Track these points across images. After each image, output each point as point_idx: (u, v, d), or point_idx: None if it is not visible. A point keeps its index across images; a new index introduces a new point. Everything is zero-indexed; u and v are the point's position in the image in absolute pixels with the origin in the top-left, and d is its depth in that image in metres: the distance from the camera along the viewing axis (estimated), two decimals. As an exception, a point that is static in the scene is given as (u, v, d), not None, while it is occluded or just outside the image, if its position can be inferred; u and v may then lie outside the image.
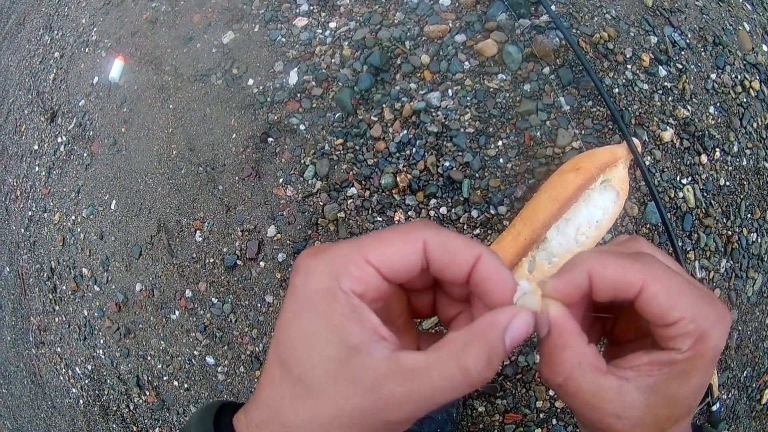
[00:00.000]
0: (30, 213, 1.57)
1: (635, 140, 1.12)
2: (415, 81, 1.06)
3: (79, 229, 1.40)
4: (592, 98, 1.12)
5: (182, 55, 1.25)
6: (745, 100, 1.26)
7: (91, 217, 1.36)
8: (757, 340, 1.17)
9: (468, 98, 1.05)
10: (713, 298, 0.25)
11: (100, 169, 1.34)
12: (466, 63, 1.07)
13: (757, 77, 1.31)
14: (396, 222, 1.03)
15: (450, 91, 1.05)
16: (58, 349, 1.53)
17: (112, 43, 1.41)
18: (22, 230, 1.62)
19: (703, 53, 1.27)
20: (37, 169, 1.55)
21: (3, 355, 1.80)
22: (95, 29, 1.49)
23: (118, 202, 1.30)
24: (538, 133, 1.06)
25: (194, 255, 1.18)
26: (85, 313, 1.40)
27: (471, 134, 1.04)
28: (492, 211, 1.02)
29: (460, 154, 1.03)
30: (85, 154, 1.39)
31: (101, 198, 1.34)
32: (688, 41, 1.26)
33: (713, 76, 1.24)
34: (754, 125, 1.25)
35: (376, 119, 1.05)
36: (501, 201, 1.03)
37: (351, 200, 1.04)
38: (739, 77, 1.27)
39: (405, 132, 1.04)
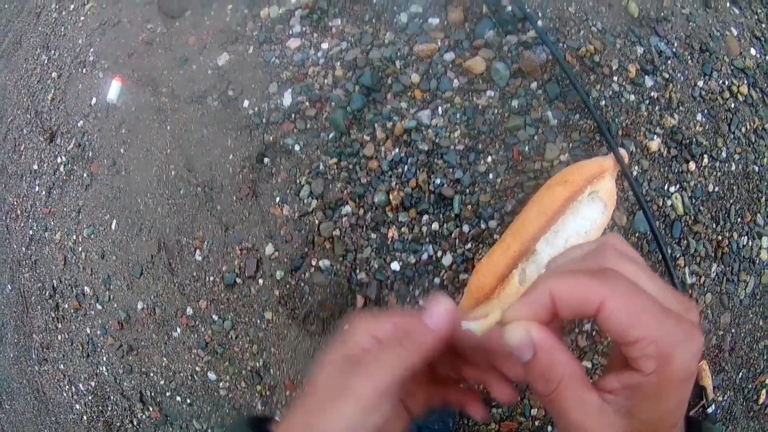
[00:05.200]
0: (31, 232, 1.60)
1: (622, 151, 1.14)
2: (405, 100, 1.09)
3: (80, 249, 1.42)
4: (579, 111, 1.15)
5: (179, 77, 1.28)
6: (733, 105, 1.28)
7: (92, 236, 1.38)
8: (752, 342, 1.19)
9: (457, 116, 1.08)
10: (680, 318, 0.24)
11: (100, 189, 1.37)
12: (455, 81, 1.10)
13: (745, 81, 1.32)
14: (389, 239, 1.06)
15: (440, 109, 1.08)
16: (61, 366, 1.55)
17: (109, 64, 1.44)
18: (23, 249, 1.64)
19: (689, 61, 1.29)
20: (37, 188, 1.58)
21: (6, 371, 1.82)
22: (92, 50, 1.51)
23: (119, 221, 1.33)
24: (527, 148, 1.09)
25: (194, 273, 1.21)
26: (88, 331, 1.43)
27: (461, 151, 1.06)
28: (483, 226, 1.05)
29: (451, 170, 1.06)
30: (84, 175, 1.41)
31: (102, 218, 1.36)
32: (674, 50, 1.28)
33: (700, 83, 1.27)
34: (743, 130, 1.27)
35: (368, 138, 1.08)
36: (491, 215, 1.05)
37: (346, 218, 1.07)
38: (726, 83, 1.29)
39: (397, 150, 1.07)
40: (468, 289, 0.99)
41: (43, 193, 1.55)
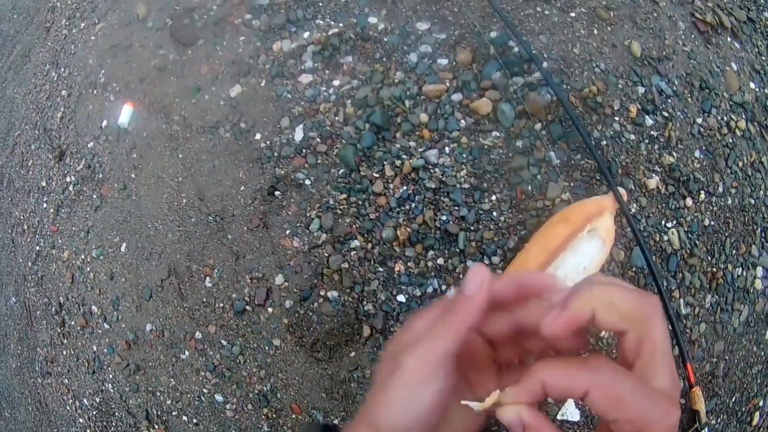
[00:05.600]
0: (38, 248, 1.62)
1: (621, 190, 1.19)
2: (414, 139, 1.13)
3: (88, 269, 1.45)
4: (581, 151, 1.19)
5: (191, 106, 1.31)
6: (730, 140, 1.32)
7: (101, 257, 1.41)
8: (745, 367, 1.23)
9: (464, 155, 1.12)
10: (659, 398, 0.28)
11: (110, 212, 1.39)
12: (462, 121, 1.14)
13: (743, 116, 1.37)
14: (396, 272, 1.10)
15: (447, 148, 1.13)
16: (66, 380, 1.58)
17: (120, 88, 1.46)
18: (30, 264, 1.66)
19: (689, 99, 1.33)
20: (45, 205, 1.60)
21: (7, 381, 1.84)
22: (103, 71, 1.54)
23: (129, 245, 1.35)
24: (530, 187, 1.13)
25: (204, 299, 1.24)
26: (94, 349, 1.45)
27: (466, 189, 1.11)
28: (486, 261, 1.09)
29: (456, 208, 1.10)
30: (94, 196, 1.44)
31: (111, 240, 1.39)
32: (675, 88, 1.32)
33: (699, 120, 1.30)
34: (740, 164, 1.32)
35: (377, 175, 1.12)
36: (495, 252, 1.10)
37: (354, 252, 1.11)
38: (725, 118, 1.34)
39: (405, 188, 1.11)
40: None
41: (51, 210, 1.57)
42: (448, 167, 1.11)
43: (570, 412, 1.10)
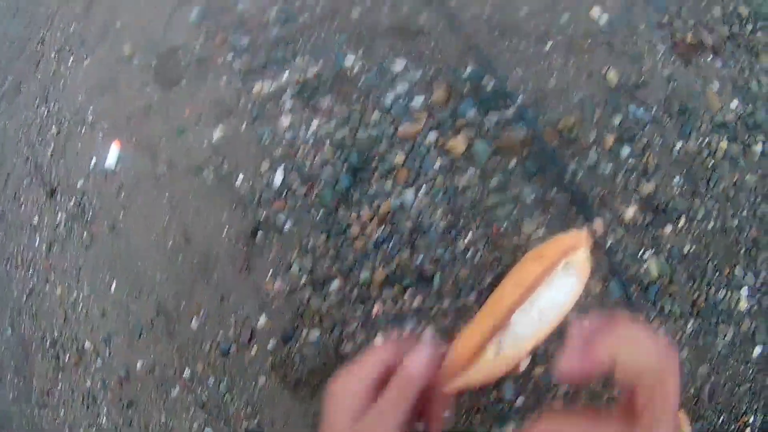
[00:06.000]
0: (31, 283, 1.65)
1: (597, 222, 1.21)
2: (390, 180, 1.15)
3: (81, 306, 1.48)
4: (556, 185, 1.21)
5: (176, 147, 1.33)
6: (711, 163, 1.30)
7: (93, 295, 1.44)
8: (732, 387, 1.21)
9: (439, 195, 1.14)
10: None
11: (100, 251, 1.42)
12: (438, 160, 1.16)
13: (725, 136, 1.34)
14: (375, 313, 1.12)
15: (423, 188, 1.14)
16: (62, 412, 1.61)
17: (108, 126, 1.49)
18: (24, 297, 1.70)
19: (668, 124, 1.32)
20: (37, 242, 1.63)
21: (5, 410, 1.88)
22: (91, 108, 1.57)
23: (119, 283, 1.38)
24: (505, 224, 1.15)
25: (192, 338, 1.27)
26: (89, 384, 1.49)
27: (442, 229, 1.13)
28: (462, 301, 1.11)
29: (432, 248, 1.12)
30: (85, 234, 1.47)
31: (102, 278, 1.42)
32: (653, 114, 1.31)
33: (679, 145, 1.29)
34: (721, 186, 1.29)
35: (355, 218, 1.14)
36: (470, 290, 1.11)
37: (333, 294, 1.13)
38: (706, 140, 1.32)
39: (382, 229, 1.13)
40: (446, 362, 1.05)
41: (44, 247, 1.60)
42: (424, 207, 1.13)
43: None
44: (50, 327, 1.59)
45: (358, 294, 1.13)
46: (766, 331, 1.24)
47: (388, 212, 1.13)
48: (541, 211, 1.18)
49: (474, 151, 1.17)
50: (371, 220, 1.14)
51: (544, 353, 1.11)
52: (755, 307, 1.24)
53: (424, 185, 1.15)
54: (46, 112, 1.73)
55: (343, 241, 1.14)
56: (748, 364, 1.23)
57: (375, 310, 1.12)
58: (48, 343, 1.60)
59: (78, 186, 1.52)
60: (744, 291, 1.25)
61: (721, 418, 1.20)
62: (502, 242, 1.15)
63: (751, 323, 1.25)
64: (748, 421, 1.21)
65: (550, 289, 1.08)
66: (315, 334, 1.14)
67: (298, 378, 1.17)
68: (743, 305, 1.24)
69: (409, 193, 1.14)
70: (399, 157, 1.16)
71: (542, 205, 1.19)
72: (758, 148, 1.37)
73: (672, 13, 1.45)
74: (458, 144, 1.17)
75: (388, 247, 1.13)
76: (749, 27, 1.53)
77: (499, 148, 1.19)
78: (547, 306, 1.08)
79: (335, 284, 1.13)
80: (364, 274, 1.12)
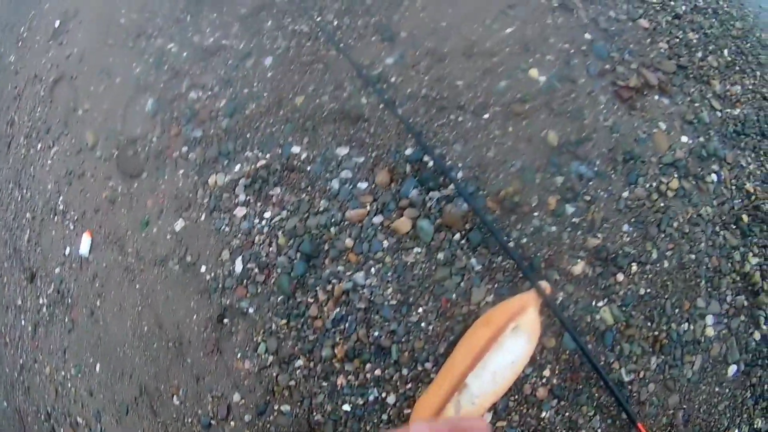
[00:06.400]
0: (21, 361, 1.74)
1: (544, 283, 1.27)
2: (342, 263, 1.25)
3: (69, 384, 1.57)
4: (501, 253, 1.27)
5: (141, 239, 1.42)
6: (662, 204, 1.32)
7: (79, 375, 1.54)
8: (709, 408, 1.24)
9: (389, 274, 1.24)
10: None
11: (82, 335, 1.52)
12: (385, 241, 1.26)
13: (675, 175, 1.36)
14: (339, 385, 1.23)
15: (372, 269, 1.25)
16: (63, 482, 1.71)
17: (78, 217, 1.57)
18: (16, 374, 1.79)
19: (613, 175, 1.34)
20: (23, 323, 1.72)
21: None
22: (61, 198, 1.65)
23: (102, 365, 1.48)
24: (454, 295, 1.25)
25: (174, 415, 1.37)
26: (85, 456, 1.59)
27: (394, 305, 1.23)
28: (420, 368, 1.22)
29: (387, 323, 1.23)
30: (66, 319, 1.56)
31: (86, 360, 1.52)
32: (596, 169, 1.33)
33: (625, 194, 1.32)
34: (675, 225, 1.32)
35: (312, 300, 1.24)
36: (426, 358, 1.22)
37: (299, 370, 1.24)
38: (654, 184, 1.34)
39: (338, 309, 1.23)
40: (410, 423, 1.16)
41: (29, 328, 1.69)
42: (376, 287, 1.23)
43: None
44: (43, 402, 1.68)
45: (322, 369, 1.23)
46: (738, 350, 1.29)
47: (342, 294, 1.24)
48: (488, 280, 1.26)
49: (419, 229, 1.27)
50: (327, 301, 1.24)
51: (504, 408, 1.21)
52: (724, 331, 1.29)
53: (374, 266, 1.25)
54: (19, 197, 1.80)
55: (303, 322, 1.24)
56: (723, 384, 1.26)
57: (339, 382, 1.23)
58: (43, 417, 1.70)
59: (56, 272, 1.60)
60: (709, 319, 1.28)
61: (702, 438, 1.25)
62: (453, 312, 1.25)
63: (722, 347, 1.28)
64: (733, 435, 1.27)
65: (501, 351, 1.19)
66: (286, 407, 1.25)
67: (274, 448, 1.28)
68: (710, 332, 1.27)
69: (360, 274, 1.24)
70: (348, 241, 1.26)
71: (489, 274, 1.26)
72: (713, 177, 1.41)
73: (614, 59, 1.49)
74: (402, 224, 1.27)
75: (345, 325, 1.23)
76: (699, 54, 1.58)
77: (443, 224, 1.28)
78: (499, 367, 1.19)
79: (300, 362, 1.24)
80: (326, 351, 1.22)
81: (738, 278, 1.34)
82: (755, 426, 1.27)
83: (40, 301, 1.65)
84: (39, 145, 1.79)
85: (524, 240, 1.28)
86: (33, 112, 1.85)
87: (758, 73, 1.62)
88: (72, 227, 1.58)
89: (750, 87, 1.59)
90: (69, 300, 1.56)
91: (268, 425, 1.28)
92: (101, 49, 1.72)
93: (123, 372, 1.45)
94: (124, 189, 1.49)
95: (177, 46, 1.59)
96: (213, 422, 1.32)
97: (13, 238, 1.80)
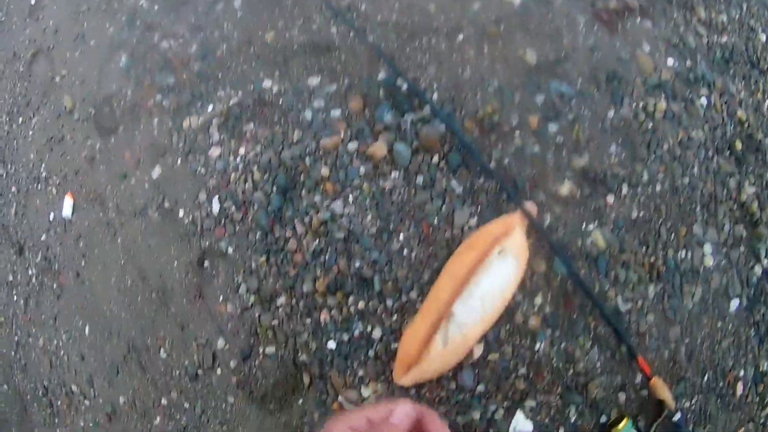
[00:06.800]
0: (16, 338, 1.73)
1: (529, 204, 1.23)
2: (318, 194, 1.21)
3: (62, 352, 1.55)
4: (483, 174, 1.23)
5: (121, 192, 1.40)
6: (650, 125, 1.28)
7: (70, 341, 1.51)
8: (712, 344, 1.19)
9: (367, 201, 1.19)
10: None
11: (70, 299, 1.49)
12: (361, 168, 1.21)
13: (663, 96, 1.32)
14: (322, 322, 1.18)
15: (350, 197, 1.20)
16: (66, 457, 1.69)
17: (60, 181, 1.56)
18: (12, 353, 1.77)
19: (596, 95, 1.30)
20: (15, 298, 1.70)
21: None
22: (43, 165, 1.63)
23: (91, 327, 1.45)
24: (436, 220, 1.20)
25: (162, 369, 1.33)
26: (82, 424, 1.56)
27: (374, 234, 1.18)
28: (404, 298, 1.16)
29: (367, 252, 1.17)
30: (54, 286, 1.54)
31: (76, 324, 1.49)
32: (578, 88, 1.30)
33: (610, 114, 1.28)
34: (665, 147, 1.27)
35: (290, 234, 1.20)
36: (411, 287, 1.17)
37: (281, 308, 1.19)
38: (640, 104, 1.29)
39: (317, 242, 1.19)
40: (398, 358, 1.11)
41: (21, 302, 1.67)
42: (354, 215, 1.18)
43: (521, 423, 1.13)
44: (39, 377, 1.66)
45: (304, 305, 1.19)
46: (740, 283, 1.24)
47: (321, 224, 1.19)
48: (470, 202, 1.21)
49: (395, 153, 1.22)
50: (306, 234, 1.19)
51: (496, 339, 1.15)
52: (723, 262, 1.24)
53: (351, 194, 1.20)
54: (4, 174, 1.80)
55: (282, 258, 1.20)
56: (726, 320, 1.21)
57: (322, 318, 1.18)
58: (41, 392, 1.68)
59: (42, 240, 1.59)
60: (707, 247, 1.23)
61: (706, 376, 1.18)
62: (435, 237, 1.19)
63: (722, 278, 1.23)
64: (738, 374, 1.19)
65: (487, 276, 1.12)
66: (271, 349, 1.21)
67: (264, 393, 1.23)
68: (709, 262, 1.22)
69: (337, 204, 1.19)
70: (324, 170, 1.21)
71: (471, 196, 1.21)
72: (702, 101, 1.36)
73: (592, -18, 1.42)
74: (379, 149, 1.22)
75: (325, 257, 1.18)
76: (680, -21, 1.52)
77: (420, 146, 1.23)
78: (487, 293, 1.12)
79: (282, 299, 1.19)
80: (307, 286, 1.18)
81: (735, 207, 1.28)
82: (761, 369, 1.21)
83: (29, 272, 1.63)
84: (20, 120, 1.78)
85: (506, 161, 1.24)
86: (14, 89, 1.84)
87: (744, 6, 1.56)
88: (55, 192, 1.56)
89: (736, 18, 1.53)
90: (56, 266, 1.54)
91: (254, 370, 1.23)
92: (76, 18, 1.71)
93: (111, 331, 1.42)
94: (102, 146, 1.47)
95: (148, 1, 1.57)
96: (200, 371, 1.28)
97: (1, 215, 1.79)
